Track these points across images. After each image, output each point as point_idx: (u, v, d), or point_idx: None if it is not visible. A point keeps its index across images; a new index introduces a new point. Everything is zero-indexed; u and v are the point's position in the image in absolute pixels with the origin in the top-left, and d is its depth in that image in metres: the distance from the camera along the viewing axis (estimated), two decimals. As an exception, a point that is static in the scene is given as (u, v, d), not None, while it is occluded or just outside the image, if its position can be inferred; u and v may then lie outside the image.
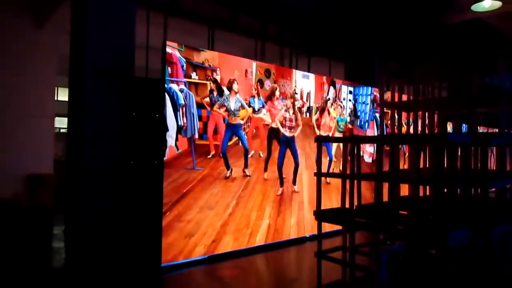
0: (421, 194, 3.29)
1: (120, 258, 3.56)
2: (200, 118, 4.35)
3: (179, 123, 4.14)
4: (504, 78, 2.98)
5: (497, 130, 3.14)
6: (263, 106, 5.02)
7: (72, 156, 3.63)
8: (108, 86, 3.56)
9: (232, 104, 4.65)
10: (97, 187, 3.49)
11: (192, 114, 4.27)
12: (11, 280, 3.64)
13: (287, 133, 5.25)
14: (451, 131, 4.23)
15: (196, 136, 4.31)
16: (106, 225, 3.52)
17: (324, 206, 3.10)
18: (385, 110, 3.45)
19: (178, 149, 4.13)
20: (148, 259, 3.81)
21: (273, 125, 5.14)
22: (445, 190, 2.70)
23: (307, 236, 5.34)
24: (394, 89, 3.40)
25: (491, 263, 2.42)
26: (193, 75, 4.29)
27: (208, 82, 4.41)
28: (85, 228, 3.43)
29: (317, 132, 5.71)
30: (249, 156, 4.83)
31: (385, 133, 3.61)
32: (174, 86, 4.09)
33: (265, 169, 5.02)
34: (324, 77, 5.95)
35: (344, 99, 6.19)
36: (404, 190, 3.23)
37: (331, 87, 5.97)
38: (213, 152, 4.44)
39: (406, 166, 4.54)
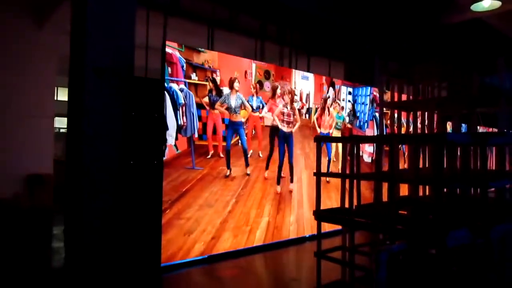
0: (420, 194, 3.29)
1: (119, 258, 3.56)
2: (200, 118, 4.36)
3: (179, 123, 4.14)
4: (504, 78, 2.98)
5: (496, 130, 3.15)
6: (262, 106, 5.03)
7: (72, 156, 3.63)
8: (108, 86, 3.56)
9: (233, 102, 4.67)
10: (97, 187, 3.49)
11: (192, 113, 4.27)
12: (11, 280, 3.64)
13: (284, 128, 5.26)
14: (450, 131, 4.24)
15: (196, 136, 4.32)
16: (105, 225, 3.52)
17: (324, 204, 3.10)
18: (384, 111, 3.45)
19: (177, 149, 4.14)
20: (148, 259, 3.81)
21: (274, 123, 5.16)
22: (445, 190, 2.70)
23: (307, 236, 5.34)
24: (394, 89, 3.40)
25: (490, 263, 2.42)
26: (193, 76, 4.31)
27: (206, 83, 4.43)
28: (85, 228, 3.43)
29: (318, 130, 5.73)
30: (248, 155, 4.83)
31: (384, 133, 3.61)
32: (174, 86, 4.10)
33: (267, 167, 5.04)
34: (324, 78, 5.96)
35: (343, 100, 6.20)
36: (404, 190, 3.23)
37: (331, 88, 5.98)
38: (212, 152, 4.45)
39: (406, 166, 4.54)
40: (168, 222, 3.97)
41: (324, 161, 5.80)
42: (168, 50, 4.04)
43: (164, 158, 3.96)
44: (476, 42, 6.76)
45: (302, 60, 6.07)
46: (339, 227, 3.28)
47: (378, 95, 5.90)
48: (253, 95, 4.93)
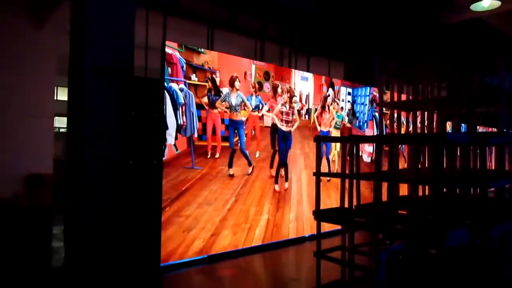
0: (420, 193, 3.29)
1: (119, 257, 3.56)
2: (199, 119, 4.37)
3: (179, 122, 4.15)
4: (503, 78, 2.98)
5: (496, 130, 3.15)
6: (261, 105, 5.04)
7: (72, 156, 3.63)
8: (108, 86, 3.56)
9: (234, 100, 4.69)
10: (97, 186, 3.49)
11: (191, 113, 4.28)
12: (11, 279, 3.64)
13: (283, 127, 5.27)
14: (450, 130, 4.24)
15: (196, 135, 4.33)
16: (105, 225, 3.52)
17: (323, 203, 3.11)
18: (384, 111, 3.45)
19: (177, 150, 4.14)
20: (147, 258, 3.81)
21: (275, 122, 5.19)
22: (444, 189, 2.70)
23: (306, 236, 5.34)
24: (394, 89, 3.40)
25: (490, 263, 2.42)
26: (193, 76, 4.32)
27: (206, 84, 4.44)
28: (85, 228, 3.43)
29: (318, 129, 5.74)
30: (248, 155, 4.85)
31: (384, 133, 3.61)
32: (174, 85, 4.11)
33: (271, 166, 5.07)
34: (323, 79, 5.97)
35: (342, 100, 6.21)
36: (403, 189, 3.23)
37: (330, 89, 5.99)
38: (210, 152, 4.46)
39: (405, 166, 4.54)
40: (167, 219, 3.99)
41: (324, 161, 5.80)
42: (168, 50, 4.04)
43: (163, 158, 3.96)
44: (476, 42, 6.76)
45: (302, 60, 6.07)
46: (338, 227, 3.28)
47: (378, 95, 5.90)
48: (252, 95, 4.93)
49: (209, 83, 4.45)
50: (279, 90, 5.23)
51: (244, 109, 4.82)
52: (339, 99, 6.12)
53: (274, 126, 5.18)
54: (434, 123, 3.35)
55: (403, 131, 4.46)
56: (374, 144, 3.61)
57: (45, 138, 6.47)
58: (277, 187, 5.12)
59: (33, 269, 3.98)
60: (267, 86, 5.15)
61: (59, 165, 6.11)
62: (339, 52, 6.78)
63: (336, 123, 6.07)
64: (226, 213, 4.53)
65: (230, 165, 4.62)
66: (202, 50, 4.47)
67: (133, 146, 3.71)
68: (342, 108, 6.17)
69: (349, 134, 6.16)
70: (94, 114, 3.49)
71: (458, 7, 5.79)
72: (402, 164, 5.41)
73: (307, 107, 5.70)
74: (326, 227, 4.74)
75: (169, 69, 4.07)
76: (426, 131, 3.32)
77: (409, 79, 3.42)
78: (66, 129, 4.02)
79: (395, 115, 3.48)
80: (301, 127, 5.52)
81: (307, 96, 5.73)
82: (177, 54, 4.15)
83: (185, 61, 4.22)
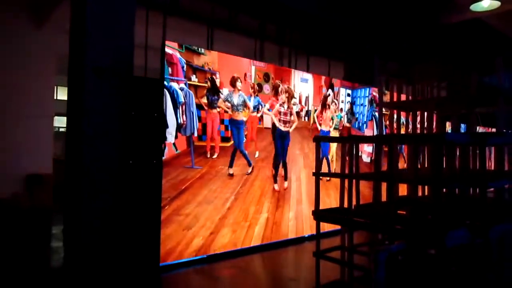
0: (419, 194, 3.29)
1: (119, 257, 3.56)
2: (199, 119, 4.37)
3: (179, 121, 4.15)
4: (502, 78, 2.98)
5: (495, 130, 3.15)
6: (260, 106, 5.05)
7: (72, 156, 3.63)
8: (108, 86, 3.56)
9: (235, 100, 4.70)
10: (97, 186, 3.49)
11: (191, 112, 4.29)
12: (10, 279, 3.64)
13: (281, 127, 5.27)
14: (449, 130, 4.24)
15: (195, 135, 4.33)
16: (105, 225, 3.52)
17: (323, 202, 3.11)
18: (384, 111, 3.45)
19: (176, 149, 4.15)
20: (147, 258, 3.81)
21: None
22: (444, 190, 2.71)
23: (306, 236, 5.34)
24: (393, 89, 3.40)
25: (489, 263, 2.42)
26: (193, 77, 4.33)
27: (206, 84, 4.44)
28: (84, 228, 3.43)
29: (319, 128, 5.75)
30: (247, 155, 4.85)
31: (384, 133, 3.62)
32: (174, 85, 4.12)
33: (273, 165, 5.08)
34: (323, 81, 5.97)
35: (342, 102, 6.22)
36: (403, 190, 3.24)
37: (329, 90, 6.01)
38: (210, 152, 4.46)
39: (405, 166, 4.54)
40: (167, 218, 4.00)
41: (324, 161, 5.81)
42: (168, 50, 4.05)
43: (163, 158, 3.97)
44: (475, 42, 6.76)
45: (301, 60, 6.07)
46: (338, 227, 3.29)
47: (377, 95, 5.90)
48: (251, 95, 4.94)
49: (208, 83, 4.46)
50: (280, 89, 5.24)
51: (245, 109, 4.83)
52: (338, 100, 6.13)
53: (274, 126, 5.19)
54: (434, 123, 3.35)
55: (403, 131, 4.46)
56: (374, 144, 3.61)
57: (44, 137, 6.46)
58: (276, 186, 5.13)
59: (32, 269, 3.98)
60: (266, 88, 5.16)
61: (58, 165, 6.10)
62: (339, 52, 6.78)
63: (335, 124, 6.07)
64: (226, 212, 4.54)
65: (231, 165, 4.62)
66: (203, 51, 4.47)
67: (133, 146, 3.71)
68: (341, 109, 6.18)
69: (348, 134, 6.16)
70: (94, 114, 3.49)
71: (458, 7, 5.79)
72: (402, 164, 5.41)
73: (306, 109, 5.71)
74: (326, 227, 4.74)
75: (170, 69, 4.08)
76: (425, 131, 3.33)
77: (408, 79, 3.42)
78: (66, 129, 4.01)
79: (395, 115, 3.48)
80: (300, 128, 5.53)
81: (307, 98, 5.74)
82: (178, 55, 4.17)
83: (185, 61, 4.23)
